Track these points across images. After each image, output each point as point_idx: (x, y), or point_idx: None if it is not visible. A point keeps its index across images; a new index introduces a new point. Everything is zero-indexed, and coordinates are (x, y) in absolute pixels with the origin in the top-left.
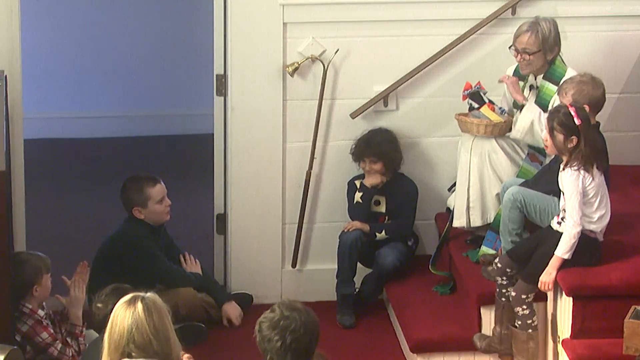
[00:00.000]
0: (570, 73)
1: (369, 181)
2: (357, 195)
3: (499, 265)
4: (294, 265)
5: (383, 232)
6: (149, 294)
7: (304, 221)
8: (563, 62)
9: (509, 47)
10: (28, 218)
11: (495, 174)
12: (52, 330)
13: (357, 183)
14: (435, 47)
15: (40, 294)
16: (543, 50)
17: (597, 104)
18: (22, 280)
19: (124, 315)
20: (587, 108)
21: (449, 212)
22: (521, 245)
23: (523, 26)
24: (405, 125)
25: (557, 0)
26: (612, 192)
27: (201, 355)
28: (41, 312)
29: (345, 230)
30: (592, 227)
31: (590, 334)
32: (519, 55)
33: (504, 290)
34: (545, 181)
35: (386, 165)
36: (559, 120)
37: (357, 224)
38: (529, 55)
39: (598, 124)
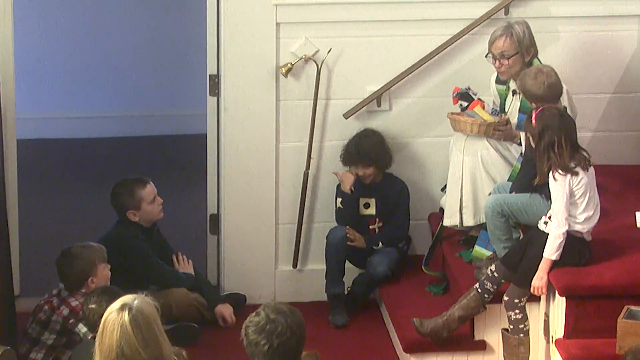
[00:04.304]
0: None
1: (346, 185)
2: (338, 201)
3: (495, 274)
4: (295, 265)
5: (380, 244)
6: (136, 302)
7: (297, 221)
8: (541, 64)
9: (486, 56)
10: (21, 218)
11: (488, 173)
12: None
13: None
14: (428, 47)
15: (97, 284)
16: (520, 52)
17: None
18: (75, 274)
19: (113, 328)
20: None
21: (442, 212)
22: (513, 251)
23: (497, 31)
24: (398, 125)
25: (550, 0)
26: (604, 192)
27: (194, 355)
28: None
29: (348, 243)
30: (578, 227)
31: (584, 333)
32: (497, 61)
33: (486, 296)
34: (523, 173)
35: (378, 168)
36: (528, 128)
37: (357, 239)
38: (507, 59)
39: (564, 109)
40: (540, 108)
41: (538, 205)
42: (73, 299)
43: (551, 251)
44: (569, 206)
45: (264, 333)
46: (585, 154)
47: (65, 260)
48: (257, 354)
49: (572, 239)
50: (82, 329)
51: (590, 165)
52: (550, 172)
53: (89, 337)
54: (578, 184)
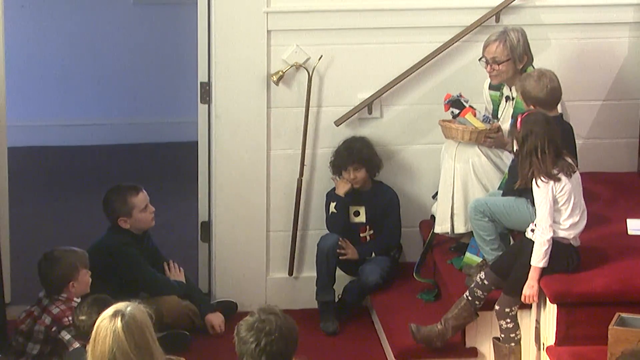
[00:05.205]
0: None
1: (341, 190)
2: (332, 205)
3: (485, 282)
4: (290, 273)
5: (372, 254)
6: (129, 308)
7: (291, 229)
8: (541, 68)
9: (479, 59)
10: (12, 226)
11: (479, 181)
12: None
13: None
14: (419, 55)
15: (78, 289)
16: (512, 59)
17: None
18: (57, 277)
19: (105, 334)
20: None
21: (433, 220)
22: (503, 258)
23: (491, 36)
24: (390, 132)
25: (541, 8)
26: (595, 199)
27: None
28: (77, 300)
29: (341, 258)
30: (563, 234)
31: (575, 341)
32: (489, 65)
33: (477, 303)
34: (511, 179)
35: (369, 171)
36: (514, 135)
37: (349, 252)
38: (499, 64)
39: (560, 115)
40: (526, 113)
41: (522, 209)
42: (54, 306)
43: (538, 259)
44: (553, 213)
45: (253, 331)
46: (569, 160)
47: (47, 263)
48: (245, 352)
49: (559, 246)
50: (65, 335)
51: (574, 172)
52: (534, 179)
53: (75, 345)
54: (561, 190)
